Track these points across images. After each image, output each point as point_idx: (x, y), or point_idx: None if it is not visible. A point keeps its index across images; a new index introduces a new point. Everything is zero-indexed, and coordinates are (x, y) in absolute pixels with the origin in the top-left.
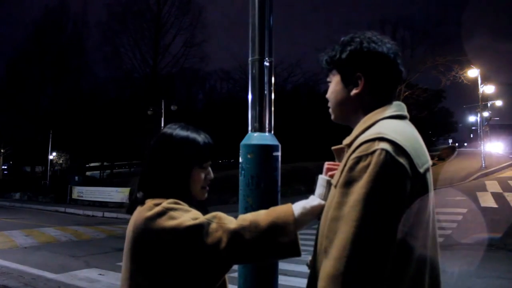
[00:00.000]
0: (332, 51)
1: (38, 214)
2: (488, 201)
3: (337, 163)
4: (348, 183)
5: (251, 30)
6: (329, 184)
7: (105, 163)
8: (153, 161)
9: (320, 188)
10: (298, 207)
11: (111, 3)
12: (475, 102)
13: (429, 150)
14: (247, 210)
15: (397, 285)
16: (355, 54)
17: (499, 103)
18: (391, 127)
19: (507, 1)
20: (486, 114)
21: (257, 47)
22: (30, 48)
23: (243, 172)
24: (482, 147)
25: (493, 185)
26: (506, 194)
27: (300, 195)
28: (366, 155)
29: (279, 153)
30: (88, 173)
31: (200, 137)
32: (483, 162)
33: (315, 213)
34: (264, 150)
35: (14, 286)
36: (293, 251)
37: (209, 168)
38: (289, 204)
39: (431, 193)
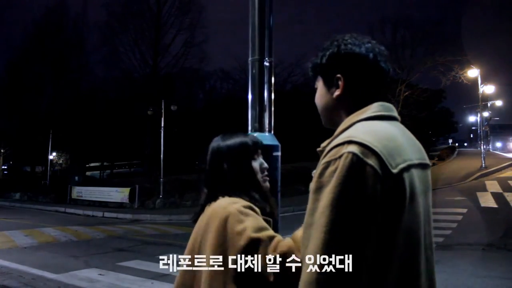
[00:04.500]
0: (316, 58)
1: (38, 214)
2: (488, 201)
3: None
4: (318, 189)
5: (251, 30)
6: None
7: (105, 163)
8: (215, 169)
9: None
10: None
11: (110, 3)
12: (475, 102)
13: (429, 150)
14: None
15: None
16: (334, 57)
17: (499, 103)
18: (364, 128)
19: (507, 1)
20: (486, 114)
21: (257, 47)
22: (30, 48)
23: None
24: (482, 147)
25: (493, 185)
26: (506, 194)
27: (300, 195)
28: (335, 160)
29: (279, 153)
30: (88, 173)
31: (236, 139)
32: (483, 162)
33: None
34: (264, 150)
35: (14, 286)
36: None
37: (260, 159)
38: (296, 233)
39: (418, 193)
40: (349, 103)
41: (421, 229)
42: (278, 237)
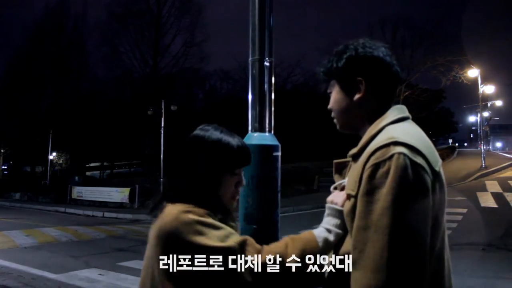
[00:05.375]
0: (328, 62)
1: (38, 214)
2: (488, 201)
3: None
4: (371, 191)
5: (251, 30)
6: (342, 214)
7: (105, 163)
8: (183, 164)
9: (333, 219)
10: (321, 238)
11: (111, 3)
12: (475, 102)
13: None
14: (247, 210)
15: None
16: (352, 60)
17: (499, 103)
18: (400, 130)
19: (507, 1)
20: (486, 114)
21: (257, 47)
22: (30, 48)
23: (243, 172)
24: (482, 147)
25: (493, 185)
26: (506, 194)
27: (300, 195)
28: (384, 161)
29: (279, 153)
30: (88, 173)
31: (234, 141)
32: (483, 162)
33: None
34: (264, 150)
35: (14, 286)
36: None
37: (241, 175)
38: (312, 233)
39: (446, 190)
40: (371, 106)
41: (444, 224)
42: (250, 239)
